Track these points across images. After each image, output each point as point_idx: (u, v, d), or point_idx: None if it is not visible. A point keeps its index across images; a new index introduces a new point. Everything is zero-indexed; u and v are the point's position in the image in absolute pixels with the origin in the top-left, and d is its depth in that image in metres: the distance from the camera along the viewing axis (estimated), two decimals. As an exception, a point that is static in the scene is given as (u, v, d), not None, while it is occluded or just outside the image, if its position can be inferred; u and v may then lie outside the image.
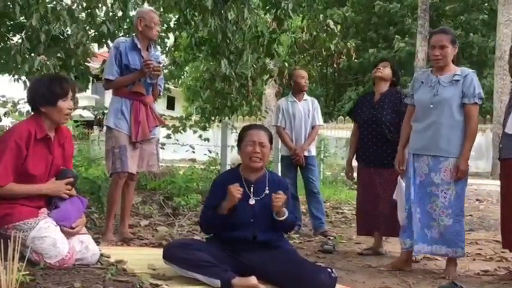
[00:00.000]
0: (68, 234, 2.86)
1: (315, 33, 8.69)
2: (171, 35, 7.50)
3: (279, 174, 4.98)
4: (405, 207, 3.52)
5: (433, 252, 3.38)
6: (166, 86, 8.10)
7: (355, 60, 23.43)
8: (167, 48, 7.81)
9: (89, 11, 5.40)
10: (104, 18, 5.49)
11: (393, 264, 3.49)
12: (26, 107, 6.12)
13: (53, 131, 2.94)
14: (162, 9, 7.20)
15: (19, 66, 5.35)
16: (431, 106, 3.33)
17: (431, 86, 3.38)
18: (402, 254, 3.50)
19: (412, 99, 3.54)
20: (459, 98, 3.30)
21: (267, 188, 2.88)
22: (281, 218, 2.81)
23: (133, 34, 4.00)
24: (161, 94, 4.17)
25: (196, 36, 7.01)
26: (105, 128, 3.91)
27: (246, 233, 2.80)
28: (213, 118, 7.85)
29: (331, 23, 7.89)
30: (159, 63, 3.90)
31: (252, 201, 2.84)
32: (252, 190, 2.86)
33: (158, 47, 4.82)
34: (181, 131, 6.82)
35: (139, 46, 3.86)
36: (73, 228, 2.88)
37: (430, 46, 3.42)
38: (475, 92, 3.28)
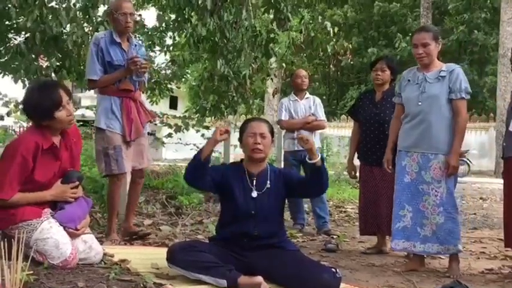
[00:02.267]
0: (73, 236, 2.86)
1: (312, 34, 8.69)
2: (169, 34, 7.54)
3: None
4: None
5: (426, 251, 3.32)
6: (169, 86, 8.12)
7: (357, 60, 23.41)
8: (167, 47, 7.84)
9: (87, 10, 5.41)
10: (101, 19, 5.50)
11: (406, 266, 3.45)
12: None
13: (59, 135, 2.90)
14: (158, 9, 7.24)
15: (17, 66, 5.38)
16: (420, 103, 3.32)
17: (418, 83, 3.37)
18: (415, 255, 3.45)
19: (399, 98, 3.52)
20: (446, 94, 3.27)
21: (268, 181, 2.88)
22: (315, 160, 2.76)
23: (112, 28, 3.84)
24: (146, 86, 4.08)
25: (194, 35, 7.01)
26: (94, 128, 3.82)
27: (248, 226, 2.79)
28: (211, 117, 7.86)
29: (329, 25, 7.90)
30: (145, 59, 3.79)
31: (254, 194, 2.84)
32: (254, 183, 2.87)
33: (141, 43, 4.74)
34: (184, 130, 6.82)
35: (118, 40, 3.70)
36: (78, 230, 2.88)
37: (413, 45, 3.40)
38: (461, 87, 3.25)
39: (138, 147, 3.80)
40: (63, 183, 2.91)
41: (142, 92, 3.94)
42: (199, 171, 2.80)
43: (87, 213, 3.04)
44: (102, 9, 5.74)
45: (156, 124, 7.44)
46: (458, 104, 3.27)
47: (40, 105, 2.76)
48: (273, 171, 2.97)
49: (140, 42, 4.11)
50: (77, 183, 2.95)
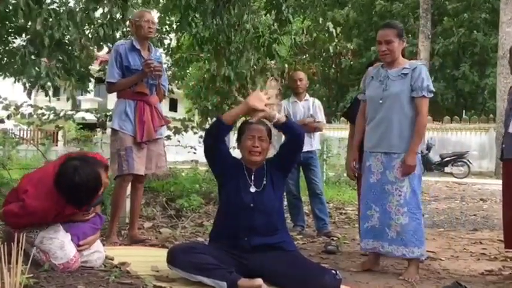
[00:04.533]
0: None
1: (315, 34, 8.74)
2: (172, 36, 7.55)
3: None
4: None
5: (392, 252, 3.25)
6: (170, 87, 8.18)
7: (356, 61, 23.42)
8: (170, 49, 7.84)
9: (87, 12, 5.43)
10: (101, 21, 5.52)
11: (362, 265, 3.46)
12: (27, 110, 6.14)
13: None
14: (160, 11, 7.27)
15: (22, 69, 5.37)
16: (381, 101, 3.27)
17: (381, 80, 3.32)
18: (371, 254, 3.44)
19: (364, 95, 3.49)
20: (408, 92, 3.21)
21: (264, 178, 2.92)
22: (276, 121, 2.85)
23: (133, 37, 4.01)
24: (166, 94, 4.15)
25: (198, 37, 7.04)
26: (109, 130, 3.90)
27: (247, 218, 2.80)
28: (214, 119, 7.87)
29: (331, 26, 7.91)
30: (160, 63, 3.89)
31: (252, 189, 2.87)
32: (252, 179, 2.90)
33: (158, 49, 4.83)
34: (183, 133, 6.83)
35: (138, 47, 3.86)
36: (79, 246, 2.89)
37: (376, 41, 3.33)
38: (423, 85, 3.17)
39: (148, 152, 3.85)
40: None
41: (161, 100, 3.98)
42: (220, 132, 2.89)
43: (97, 231, 3.05)
44: (100, 11, 5.76)
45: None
46: (419, 102, 3.18)
47: (84, 195, 2.72)
48: (269, 166, 2.99)
49: (159, 52, 4.17)
50: (92, 209, 2.98)
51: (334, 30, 7.91)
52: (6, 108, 6.01)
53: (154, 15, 7.29)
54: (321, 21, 8.38)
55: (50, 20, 5.02)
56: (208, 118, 8.12)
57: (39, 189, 2.75)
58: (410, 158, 3.17)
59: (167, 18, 8.03)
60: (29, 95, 5.83)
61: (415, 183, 3.22)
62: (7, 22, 5.94)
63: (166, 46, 8.26)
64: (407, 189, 3.20)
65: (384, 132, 3.26)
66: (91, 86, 7.61)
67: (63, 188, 2.69)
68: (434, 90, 3.25)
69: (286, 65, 8.99)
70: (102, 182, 2.78)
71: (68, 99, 5.92)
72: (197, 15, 6.87)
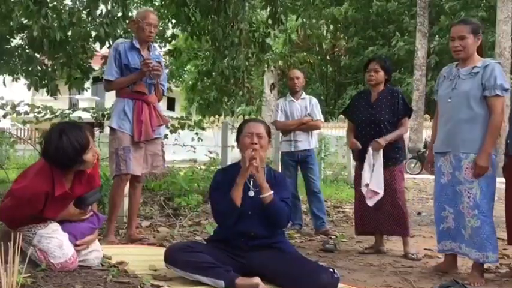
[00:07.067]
0: None
1: (309, 31, 8.83)
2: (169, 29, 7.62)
3: (280, 173, 4.97)
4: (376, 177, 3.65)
5: (468, 254, 3.17)
6: (168, 85, 8.23)
7: (355, 59, 23.44)
8: (165, 41, 7.88)
9: (88, 10, 5.43)
10: (101, 20, 5.51)
11: (437, 267, 3.40)
12: (24, 109, 6.14)
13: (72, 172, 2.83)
14: (160, 7, 7.32)
15: (20, 68, 5.39)
16: (450, 100, 3.20)
17: (452, 79, 3.25)
18: (447, 256, 3.37)
19: (436, 95, 3.44)
20: (478, 91, 3.10)
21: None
22: (265, 195, 2.75)
23: (133, 35, 4.00)
24: (165, 94, 4.14)
25: (195, 29, 7.09)
26: (108, 129, 3.89)
27: (244, 226, 2.79)
28: (211, 117, 7.92)
29: (323, 25, 8.04)
30: (159, 62, 3.88)
31: (251, 193, 2.84)
32: (251, 183, 2.86)
33: (157, 47, 4.82)
34: (179, 131, 6.83)
35: (137, 46, 3.84)
36: (76, 246, 2.87)
37: (450, 38, 3.27)
38: (496, 83, 3.06)
39: (145, 151, 3.84)
40: (77, 205, 2.90)
41: (160, 99, 3.97)
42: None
43: (95, 230, 3.03)
44: (102, 10, 5.76)
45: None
46: (492, 101, 3.07)
47: (70, 151, 2.66)
48: (270, 173, 2.97)
49: (158, 52, 4.15)
50: (89, 208, 2.96)
51: (326, 28, 8.05)
52: (2, 107, 6.00)
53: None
54: (314, 21, 8.48)
55: (50, 19, 5.03)
56: (207, 115, 8.18)
57: (25, 176, 2.79)
58: (482, 158, 3.05)
59: (164, 12, 8.07)
60: (34, 90, 5.82)
61: (485, 184, 3.11)
62: (9, 21, 5.93)
63: (164, 45, 8.29)
64: (476, 191, 3.09)
65: (452, 132, 3.18)
66: (88, 84, 7.61)
67: (50, 146, 2.67)
68: (509, 88, 3.14)
69: (281, 62, 9.02)
70: (89, 140, 2.74)
71: (65, 83, 5.89)
72: (197, 11, 6.90)
